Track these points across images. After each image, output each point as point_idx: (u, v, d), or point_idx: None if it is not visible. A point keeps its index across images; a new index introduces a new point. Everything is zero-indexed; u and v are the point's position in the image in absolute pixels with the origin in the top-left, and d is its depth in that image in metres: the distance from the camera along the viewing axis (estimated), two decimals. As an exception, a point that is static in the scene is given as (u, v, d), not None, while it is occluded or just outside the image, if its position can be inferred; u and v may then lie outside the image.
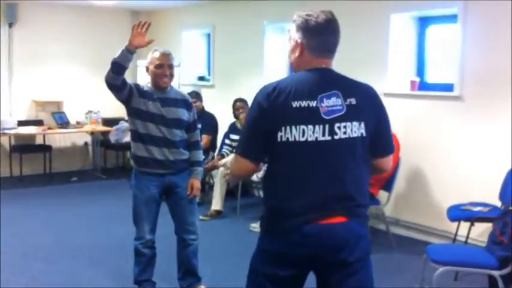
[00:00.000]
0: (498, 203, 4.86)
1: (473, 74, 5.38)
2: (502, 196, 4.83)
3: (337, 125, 2.27)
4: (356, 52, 6.37)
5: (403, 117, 5.88)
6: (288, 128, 2.26)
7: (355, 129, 2.30)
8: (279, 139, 2.28)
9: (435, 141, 5.74)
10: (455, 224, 5.00)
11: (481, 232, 5.05)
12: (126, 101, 3.91)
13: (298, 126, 2.26)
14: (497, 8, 5.18)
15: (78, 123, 9.19)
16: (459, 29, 5.46)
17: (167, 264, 4.43)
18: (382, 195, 5.58)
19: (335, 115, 2.28)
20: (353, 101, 2.31)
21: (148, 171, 3.97)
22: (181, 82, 8.48)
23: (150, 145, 3.92)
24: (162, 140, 3.92)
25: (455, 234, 5.05)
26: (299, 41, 2.39)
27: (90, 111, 9.21)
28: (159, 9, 9.54)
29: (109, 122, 9.25)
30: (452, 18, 5.63)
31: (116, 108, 9.65)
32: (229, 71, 8.19)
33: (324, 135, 2.27)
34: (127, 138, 9.19)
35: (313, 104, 2.27)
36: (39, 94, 9.11)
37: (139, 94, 3.90)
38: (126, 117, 10.13)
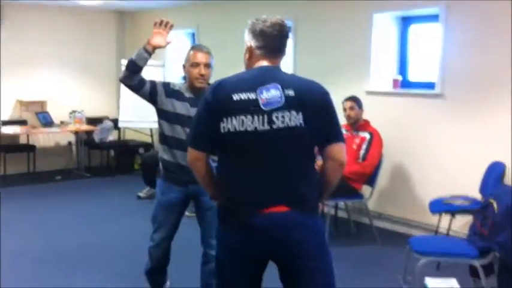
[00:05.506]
0: (478, 196, 4.98)
1: (454, 73, 5.50)
2: (482, 189, 4.95)
3: (275, 114, 2.34)
4: (339, 51, 6.51)
5: (386, 115, 6.01)
6: (229, 119, 2.35)
7: (293, 118, 2.35)
8: (221, 130, 2.37)
9: (417, 137, 5.85)
10: (437, 217, 5.11)
11: (462, 224, 5.17)
12: (150, 101, 3.64)
13: (238, 117, 2.35)
14: (478, 8, 5.29)
15: (62, 122, 9.16)
16: (441, 28, 5.58)
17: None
18: (365, 189, 5.66)
19: (274, 106, 2.35)
20: (291, 92, 2.37)
21: (171, 177, 3.69)
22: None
23: (174, 149, 3.60)
24: None
25: (437, 227, 5.16)
26: (249, 43, 2.52)
27: (74, 111, 9.17)
28: (144, 9, 9.56)
29: (93, 121, 9.27)
30: (434, 17, 5.75)
31: (100, 108, 9.75)
32: (213, 70, 8.17)
33: (263, 125, 2.34)
34: (111, 137, 9.23)
35: (253, 96, 2.36)
36: (23, 94, 9.09)
37: (167, 94, 3.61)
38: (110, 117, 10.09)
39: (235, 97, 2.36)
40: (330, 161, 2.47)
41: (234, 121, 2.35)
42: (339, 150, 2.46)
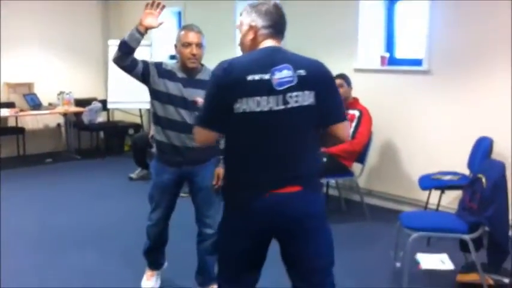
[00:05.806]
0: (467, 172, 5.07)
1: (441, 49, 5.53)
2: (471, 165, 5.02)
3: (289, 94, 2.38)
4: (327, 29, 6.50)
5: (374, 92, 6.04)
6: (244, 99, 2.37)
7: (306, 98, 2.40)
8: (236, 110, 2.39)
9: (405, 114, 5.91)
10: (426, 192, 5.17)
11: (450, 200, 5.26)
12: (143, 81, 3.63)
13: (253, 98, 2.37)
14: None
15: (50, 104, 9.12)
16: (427, 4, 5.60)
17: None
18: (355, 167, 5.72)
19: (287, 86, 2.39)
20: (302, 72, 2.41)
21: (164, 158, 3.71)
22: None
23: (167, 129, 3.61)
24: (181, 124, 3.57)
25: (427, 203, 5.22)
26: (253, 24, 2.52)
27: (62, 92, 9.10)
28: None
29: (81, 102, 9.23)
30: (421, -6, 5.77)
31: (88, 89, 9.70)
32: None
33: (277, 105, 2.38)
34: (100, 118, 9.22)
35: (266, 76, 2.38)
36: (10, 76, 9.02)
37: (160, 74, 3.60)
38: (99, 98, 9.99)
39: (249, 78, 2.37)
40: (333, 138, 2.54)
41: (250, 102, 2.37)
42: (344, 129, 2.53)
